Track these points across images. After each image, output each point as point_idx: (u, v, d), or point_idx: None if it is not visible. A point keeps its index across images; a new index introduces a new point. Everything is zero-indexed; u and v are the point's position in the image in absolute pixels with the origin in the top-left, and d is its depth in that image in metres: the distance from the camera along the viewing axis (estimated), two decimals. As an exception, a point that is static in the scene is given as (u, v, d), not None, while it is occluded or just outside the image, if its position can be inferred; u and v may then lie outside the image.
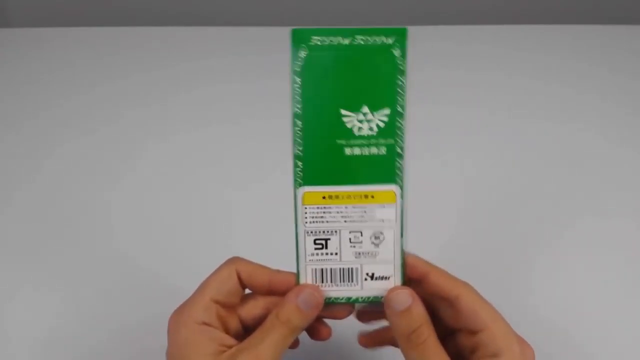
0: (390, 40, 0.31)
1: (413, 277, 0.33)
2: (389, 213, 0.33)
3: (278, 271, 0.35)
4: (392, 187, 0.33)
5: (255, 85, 0.70)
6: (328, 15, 0.83)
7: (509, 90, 0.70)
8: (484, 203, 0.57)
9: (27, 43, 0.77)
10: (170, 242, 0.54)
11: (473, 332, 0.32)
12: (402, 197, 0.33)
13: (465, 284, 0.33)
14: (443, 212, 0.56)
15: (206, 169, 0.61)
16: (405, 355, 0.32)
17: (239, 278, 0.34)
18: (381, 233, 0.33)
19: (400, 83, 0.32)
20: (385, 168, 0.32)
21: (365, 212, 0.33)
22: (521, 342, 0.32)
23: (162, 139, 0.64)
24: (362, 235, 0.33)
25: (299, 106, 0.32)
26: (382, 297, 0.33)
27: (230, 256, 0.35)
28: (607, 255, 0.52)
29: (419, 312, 0.32)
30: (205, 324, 0.32)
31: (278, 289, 0.34)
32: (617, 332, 0.46)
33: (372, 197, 0.33)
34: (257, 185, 0.59)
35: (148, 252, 0.52)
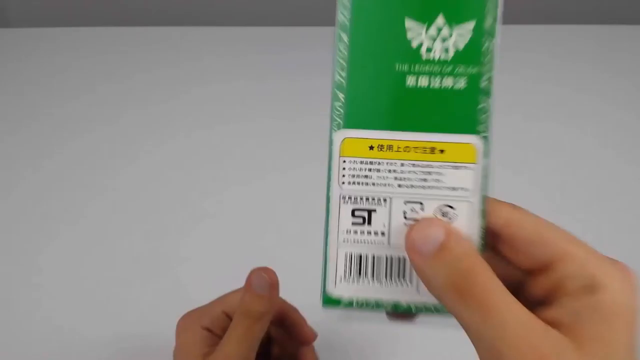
0: None
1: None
2: (465, 178, 0.23)
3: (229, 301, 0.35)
4: (473, 139, 0.24)
5: (255, 85, 0.70)
6: (328, 15, 0.83)
7: (508, 90, 0.70)
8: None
9: (27, 43, 0.77)
10: (170, 241, 0.54)
11: (545, 269, 0.22)
12: (486, 155, 0.24)
13: (513, 205, 0.24)
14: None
15: (206, 168, 0.61)
16: (463, 323, 0.21)
17: (208, 331, 0.34)
18: (451, 207, 0.23)
19: None
20: (463, 110, 0.23)
21: (430, 173, 0.23)
22: (619, 265, 0.22)
23: (162, 139, 0.64)
24: (423, 208, 0.23)
25: (346, 13, 0.23)
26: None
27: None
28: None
29: (464, 247, 0.22)
30: (207, 329, 0.33)
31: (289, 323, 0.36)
32: None
33: (442, 151, 0.23)
34: (257, 186, 0.59)
35: (147, 252, 0.52)
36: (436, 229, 0.22)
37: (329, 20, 0.82)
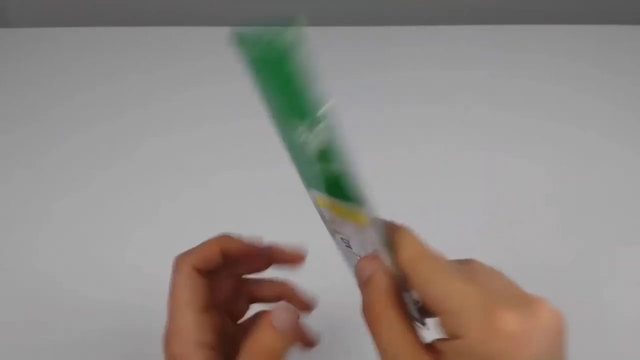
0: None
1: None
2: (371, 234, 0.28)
3: (226, 240, 0.33)
4: (363, 209, 0.26)
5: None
6: (328, 15, 0.83)
7: (508, 90, 0.70)
8: (483, 201, 0.57)
9: (27, 43, 0.77)
10: (171, 241, 0.54)
11: (434, 308, 0.25)
12: (372, 215, 0.26)
13: (404, 228, 0.27)
14: (444, 210, 0.55)
15: (206, 169, 0.61)
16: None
17: (199, 272, 0.31)
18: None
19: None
20: (352, 188, 0.26)
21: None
22: (494, 317, 0.23)
23: (162, 139, 0.64)
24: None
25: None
26: None
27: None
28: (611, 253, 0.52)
29: (379, 282, 0.26)
30: (204, 345, 0.30)
31: (236, 257, 0.33)
32: None
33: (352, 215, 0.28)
34: (258, 186, 0.59)
35: (147, 251, 0.52)
36: (368, 264, 0.27)
37: (329, 20, 0.82)
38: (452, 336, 0.24)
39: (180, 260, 0.31)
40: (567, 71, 0.73)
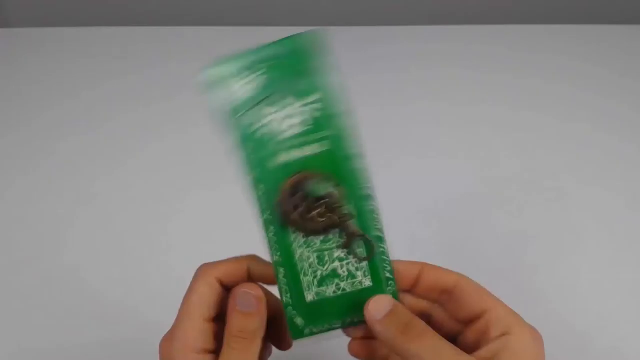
0: None
1: (404, 285, 0.32)
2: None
3: (254, 260, 0.32)
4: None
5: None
6: (328, 15, 0.83)
7: (508, 90, 0.70)
8: (483, 201, 0.57)
9: (27, 43, 0.77)
10: (173, 240, 0.54)
11: (477, 318, 0.30)
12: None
13: (460, 273, 0.32)
14: (437, 208, 0.55)
15: (206, 169, 0.61)
16: (403, 356, 0.29)
17: (221, 284, 0.32)
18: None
19: None
20: None
21: None
22: (529, 326, 0.30)
23: (162, 139, 0.64)
24: None
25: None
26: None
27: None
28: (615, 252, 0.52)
29: (405, 310, 0.30)
30: (204, 350, 0.30)
31: (261, 280, 0.32)
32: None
33: None
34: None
35: (145, 252, 0.52)
36: (387, 300, 0.30)
37: (329, 20, 0.82)
38: (502, 335, 0.29)
39: (205, 269, 0.32)
40: (567, 71, 0.73)
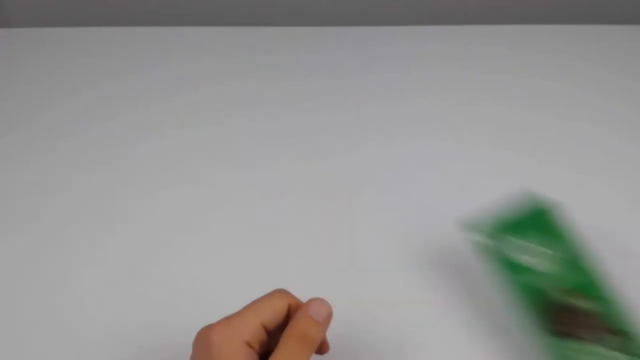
0: None
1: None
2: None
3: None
4: None
5: (255, 85, 0.70)
6: (328, 15, 0.83)
7: (508, 90, 0.70)
8: (483, 200, 0.57)
9: (27, 43, 0.77)
10: (175, 239, 0.54)
11: None
12: None
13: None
14: (445, 210, 0.56)
15: (206, 169, 0.61)
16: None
17: (288, 311, 0.35)
18: None
19: None
20: None
21: None
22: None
23: (162, 139, 0.64)
24: None
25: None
26: None
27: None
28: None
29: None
30: (249, 345, 0.33)
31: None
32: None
33: None
34: (257, 187, 0.59)
35: (147, 252, 0.52)
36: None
37: (329, 20, 0.82)
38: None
39: (284, 292, 0.35)
40: (567, 71, 0.73)
